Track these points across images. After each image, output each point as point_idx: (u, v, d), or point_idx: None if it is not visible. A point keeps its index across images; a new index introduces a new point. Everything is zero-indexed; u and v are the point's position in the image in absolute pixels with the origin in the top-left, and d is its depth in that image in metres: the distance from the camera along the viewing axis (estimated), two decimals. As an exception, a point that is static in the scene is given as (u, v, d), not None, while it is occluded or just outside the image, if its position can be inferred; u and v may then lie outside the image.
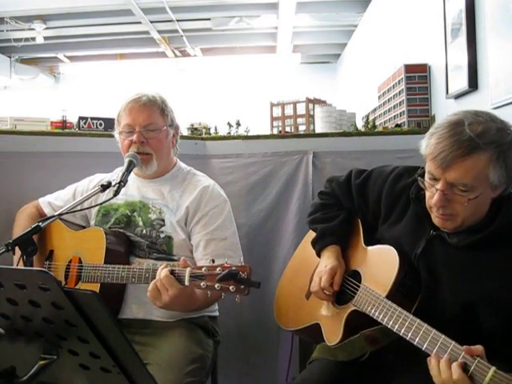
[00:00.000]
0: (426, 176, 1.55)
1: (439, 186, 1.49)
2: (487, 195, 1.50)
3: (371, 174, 1.90)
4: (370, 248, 1.81)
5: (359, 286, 1.72)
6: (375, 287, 1.65)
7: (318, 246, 1.93)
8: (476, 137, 1.43)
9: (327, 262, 1.84)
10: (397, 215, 1.75)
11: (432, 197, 1.53)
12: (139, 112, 2.14)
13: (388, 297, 1.58)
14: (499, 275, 1.48)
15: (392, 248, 1.67)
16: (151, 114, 2.15)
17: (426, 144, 1.53)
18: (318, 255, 1.94)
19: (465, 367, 1.29)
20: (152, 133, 2.14)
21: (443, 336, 1.38)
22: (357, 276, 1.79)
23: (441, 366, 1.33)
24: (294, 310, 2.03)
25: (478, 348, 1.31)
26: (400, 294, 1.58)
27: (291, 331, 2.05)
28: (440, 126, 1.52)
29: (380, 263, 1.72)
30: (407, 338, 1.45)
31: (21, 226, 2.19)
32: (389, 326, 1.52)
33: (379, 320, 1.56)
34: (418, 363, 1.49)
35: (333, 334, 1.73)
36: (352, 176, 1.95)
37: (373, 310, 1.60)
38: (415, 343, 1.43)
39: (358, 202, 1.91)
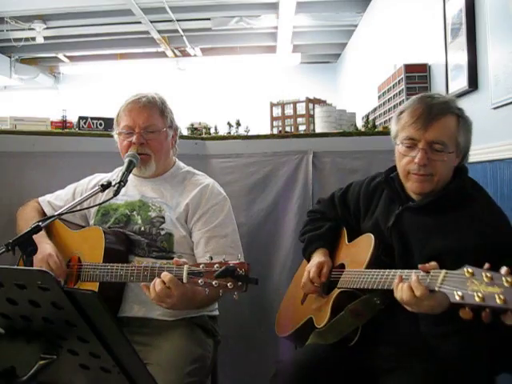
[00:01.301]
0: (403, 144, 1.74)
1: (421, 145, 1.68)
2: (453, 158, 1.72)
3: (351, 185, 2.11)
4: (351, 242, 1.98)
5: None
6: (356, 267, 1.80)
7: (307, 252, 2.08)
8: (448, 102, 1.74)
9: (315, 259, 1.99)
10: (374, 206, 1.94)
11: (410, 161, 1.71)
12: (139, 113, 2.14)
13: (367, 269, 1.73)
14: (453, 232, 1.63)
15: (368, 233, 1.85)
16: (151, 116, 2.15)
17: (398, 120, 1.78)
18: (308, 261, 2.05)
19: (420, 281, 1.41)
20: (151, 134, 2.14)
21: (407, 270, 1.51)
22: (343, 268, 1.93)
23: (403, 289, 1.44)
24: (290, 315, 2.12)
25: (432, 264, 1.43)
26: (377, 268, 1.67)
27: (289, 336, 2.08)
28: (410, 102, 1.79)
29: (359, 248, 1.89)
30: (385, 288, 1.57)
31: (27, 219, 2.19)
32: (370, 287, 1.64)
33: (361, 286, 1.68)
34: (407, 355, 1.64)
35: (321, 318, 1.83)
36: (335, 192, 2.18)
37: (355, 285, 1.73)
38: (391, 287, 1.54)
39: (341, 210, 2.10)
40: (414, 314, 1.52)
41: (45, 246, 2.06)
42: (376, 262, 1.75)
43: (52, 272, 1.98)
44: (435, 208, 1.71)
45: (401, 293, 1.46)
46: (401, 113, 1.78)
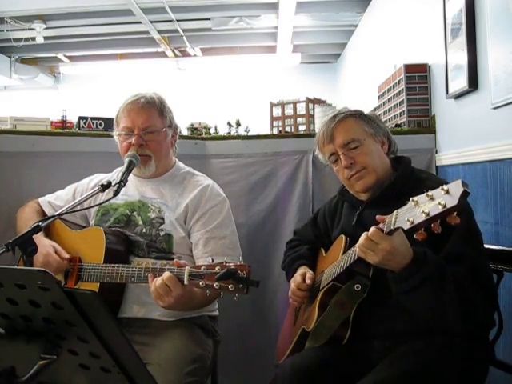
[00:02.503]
0: (331, 161, 1.98)
1: (339, 152, 1.91)
2: (376, 146, 1.93)
3: (318, 211, 2.30)
4: (327, 253, 2.11)
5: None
6: (333, 263, 1.87)
7: (290, 271, 2.16)
8: (337, 113, 1.99)
9: (298, 272, 2.08)
10: (338, 219, 2.11)
11: (341, 169, 1.92)
12: (138, 114, 2.13)
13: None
14: None
15: (339, 236, 1.98)
16: (150, 116, 2.15)
17: (316, 146, 2.04)
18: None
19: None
20: (151, 135, 2.14)
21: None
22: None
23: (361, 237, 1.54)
24: (286, 339, 2.16)
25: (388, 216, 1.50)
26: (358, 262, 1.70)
27: (287, 359, 2.06)
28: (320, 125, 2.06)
29: (333, 252, 2.00)
30: (355, 259, 1.65)
31: (27, 219, 2.19)
32: (343, 268, 1.73)
33: (337, 273, 1.77)
34: (401, 343, 1.69)
35: (311, 321, 1.87)
36: (308, 219, 2.38)
37: (332, 276, 1.81)
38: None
39: (314, 233, 2.26)
40: (397, 302, 1.62)
41: (41, 244, 2.05)
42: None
43: (52, 268, 2.01)
44: (390, 197, 1.80)
45: (361, 242, 1.54)
46: (316, 143, 2.03)
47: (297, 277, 2.03)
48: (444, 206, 1.24)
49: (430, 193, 1.31)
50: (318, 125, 2.04)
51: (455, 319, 1.58)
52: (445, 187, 1.27)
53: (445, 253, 1.64)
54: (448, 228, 1.52)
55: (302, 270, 2.08)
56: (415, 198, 1.35)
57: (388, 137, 2.00)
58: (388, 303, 1.70)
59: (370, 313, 1.78)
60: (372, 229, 1.49)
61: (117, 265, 1.95)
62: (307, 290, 1.98)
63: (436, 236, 1.54)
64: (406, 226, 1.34)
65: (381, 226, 1.49)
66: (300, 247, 2.26)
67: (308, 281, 1.97)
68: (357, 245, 1.57)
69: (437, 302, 1.56)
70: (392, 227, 1.41)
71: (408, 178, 1.87)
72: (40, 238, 2.07)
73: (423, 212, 1.29)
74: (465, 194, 1.22)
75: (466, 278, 1.58)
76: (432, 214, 1.27)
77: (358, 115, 1.97)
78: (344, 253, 1.81)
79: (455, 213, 1.24)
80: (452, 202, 1.23)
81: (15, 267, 1.64)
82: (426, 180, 1.82)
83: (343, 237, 1.93)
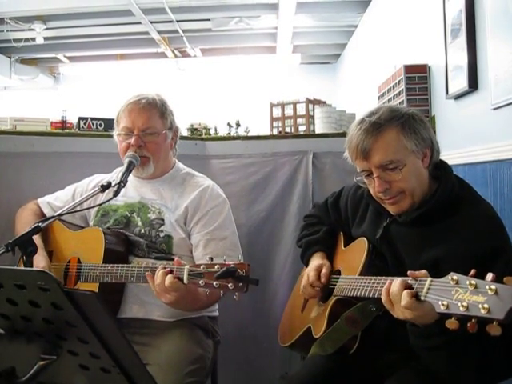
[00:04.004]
0: (361, 176, 1.72)
1: (374, 174, 1.65)
2: (416, 164, 1.66)
3: (342, 191, 2.10)
4: (346, 247, 1.98)
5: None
6: (351, 273, 1.77)
7: (306, 256, 2.06)
8: (377, 120, 1.64)
9: (313, 263, 1.96)
10: (360, 216, 1.93)
11: (374, 188, 1.68)
12: (138, 115, 2.13)
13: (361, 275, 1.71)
14: (442, 241, 1.59)
15: (362, 238, 1.84)
16: (150, 118, 2.14)
17: (347, 152, 1.75)
18: (307, 266, 2.03)
19: (410, 287, 1.36)
20: (150, 136, 2.13)
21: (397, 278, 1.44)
22: (339, 274, 1.90)
23: (391, 295, 1.40)
24: (291, 324, 2.11)
25: (422, 272, 1.38)
26: (371, 273, 1.65)
27: (290, 346, 2.05)
28: (348, 131, 1.76)
29: (353, 254, 1.87)
30: (376, 296, 1.53)
31: (25, 222, 2.18)
32: (363, 295, 1.60)
33: (355, 294, 1.65)
34: (411, 361, 1.59)
35: (319, 327, 1.80)
36: (328, 197, 2.17)
37: (349, 292, 1.70)
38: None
39: (334, 216, 2.10)
40: None
41: (38, 258, 2.05)
42: (370, 266, 1.74)
43: None
44: (422, 220, 1.66)
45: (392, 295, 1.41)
46: (346, 143, 1.76)
47: (311, 272, 1.90)
48: (488, 311, 1.09)
49: (473, 281, 1.15)
50: (352, 131, 1.72)
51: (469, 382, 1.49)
52: (493, 286, 1.10)
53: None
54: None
55: (317, 260, 1.96)
56: (455, 277, 1.21)
57: (431, 146, 1.70)
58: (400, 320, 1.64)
59: (382, 325, 1.71)
60: (405, 294, 1.34)
61: (116, 265, 1.95)
62: (320, 288, 1.90)
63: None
64: (439, 309, 1.21)
65: (414, 288, 1.35)
66: (318, 227, 2.11)
67: (323, 279, 1.86)
68: (386, 293, 1.43)
69: (454, 364, 1.46)
70: (422, 297, 1.29)
71: (446, 200, 1.66)
72: (40, 251, 2.06)
73: (462, 304, 1.14)
74: None
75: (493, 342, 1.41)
76: (471, 313, 1.13)
77: (400, 125, 1.65)
78: (365, 265, 1.72)
79: (497, 323, 1.08)
80: (499, 313, 1.08)
81: (15, 268, 1.64)
82: (464, 203, 1.64)
83: (366, 242, 1.79)
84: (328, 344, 1.77)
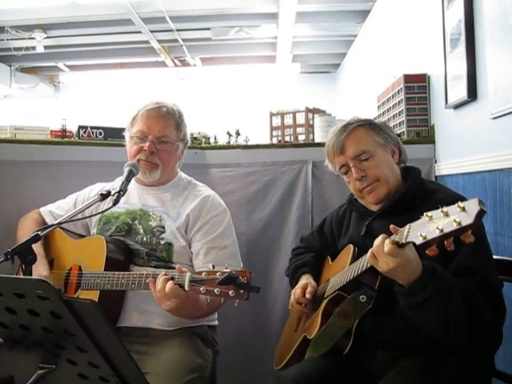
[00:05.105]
0: (341, 173, 1.95)
1: (350, 164, 1.88)
2: (387, 156, 1.91)
3: (325, 218, 2.27)
4: (333, 261, 2.08)
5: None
6: (339, 272, 1.85)
7: (294, 280, 2.15)
8: (347, 123, 1.94)
9: (300, 283, 2.05)
10: (345, 227, 2.09)
11: (354, 182, 1.89)
12: (156, 122, 2.15)
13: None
14: None
15: (347, 246, 1.96)
16: (167, 127, 2.17)
17: (326, 157, 2.00)
18: None
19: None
20: (164, 145, 2.16)
21: None
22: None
23: (374, 248, 1.51)
24: (287, 344, 2.14)
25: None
26: (366, 273, 1.68)
27: (288, 363, 2.04)
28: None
29: (340, 260, 1.99)
30: (364, 269, 1.64)
31: (26, 231, 2.19)
32: (351, 278, 1.71)
33: (343, 283, 1.75)
34: (403, 361, 1.67)
35: (313, 329, 1.85)
36: (313, 228, 2.36)
37: (338, 286, 1.79)
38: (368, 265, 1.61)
39: (320, 241, 2.24)
40: (404, 314, 1.59)
41: (38, 266, 2.05)
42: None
43: None
44: (400, 208, 1.79)
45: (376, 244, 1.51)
46: (325, 154, 2.00)
47: (297, 290, 2.01)
48: (459, 223, 1.21)
49: (445, 209, 1.28)
50: (329, 135, 1.99)
51: (458, 337, 1.56)
52: (461, 204, 1.24)
53: (455, 266, 1.62)
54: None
55: (303, 280, 2.06)
56: (429, 214, 1.32)
57: (398, 146, 1.98)
58: (393, 315, 1.68)
59: (374, 324, 1.77)
60: (387, 242, 1.45)
61: (117, 272, 1.95)
62: (306, 305, 1.97)
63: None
64: (419, 241, 1.31)
65: (394, 237, 1.46)
66: (305, 255, 2.24)
67: (308, 295, 1.94)
68: (371, 249, 1.53)
69: (442, 318, 1.53)
70: (404, 241, 1.38)
71: (418, 189, 1.85)
72: (41, 259, 2.07)
73: (437, 228, 1.26)
74: (481, 213, 1.19)
75: (476, 295, 1.55)
76: (446, 230, 1.24)
77: (368, 125, 1.94)
78: (352, 262, 1.79)
79: (470, 231, 1.21)
80: (468, 220, 1.20)
81: (14, 276, 1.64)
82: (436, 192, 1.80)
83: (351, 246, 1.91)
84: (322, 342, 1.81)
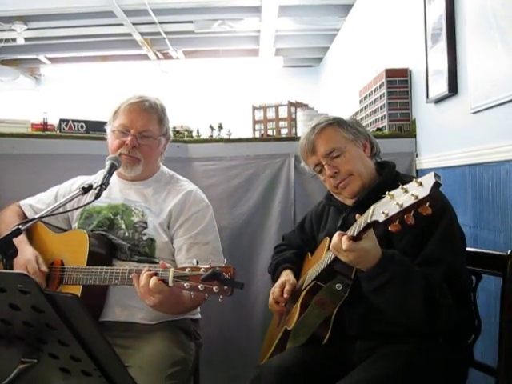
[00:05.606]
0: (316, 172, 2.01)
1: (323, 162, 1.94)
2: (358, 151, 1.96)
3: (305, 216, 2.31)
4: (313, 255, 2.12)
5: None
6: (317, 263, 1.89)
7: (275, 276, 2.19)
8: (316, 124, 1.99)
9: (279, 280, 2.09)
10: (324, 222, 2.14)
11: (327, 178, 1.95)
12: (138, 116, 2.14)
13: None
14: None
15: (326, 237, 1.99)
16: (149, 121, 2.16)
17: (301, 158, 2.06)
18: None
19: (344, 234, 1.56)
20: (146, 139, 2.14)
21: None
22: None
23: (332, 246, 1.59)
24: (270, 340, 2.17)
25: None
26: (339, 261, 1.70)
27: (270, 358, 2.06)
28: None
29: (318, 252, 2.04)
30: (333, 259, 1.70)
31: (7, 225, 2.15)
32: (323, 267, 1.78)
33: (317, 273, 1.82)
34: (384, 348, 1.72)
35: (292, 319, 1.89)
36: (296, 224, 2.42)
37: (313, 276, 1.85)
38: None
39: (300, 237, 2.28)
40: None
41: (25, 250, 2.05)
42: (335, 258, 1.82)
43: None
44: (375, 201, 1.77)
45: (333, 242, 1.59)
46: (300, 155, 2.06)
47: (275, 289, 2.04)
48: (416, 197, 1.27)
49: (404, 186, 1.34)
50: (301, 137, 2.05)
51: (420, 319, 1.63)
52: (418, 180, 1.30)
53: (422, 256, 1.69)
54: (430, 230, 1.64)
55: (282, 278, 2.09)
56: (391, 192, 1.38)
57: (369, 139, 2.03)
58: (370, 304, 1.71)
59: (353, 313, 1.81)
60: (344, 239, 1.54)
61: (100, 267, 1.94)
62: (285, 304, 2.00)
63: (419, 238, 1.65)
64: (381, 219, 1.36)
65: (349, 231, 1.55)
66: (286, 252, 2.28)
67: (285, 295, 1.98)
68: (330, 247, 1.61)
69: (402, 301, 1.61)
70: (368, 220, 1.44)
71: (393, 182, 1.85)
72: (25, 245, 2.06)
73: (397, 204, 1.31)
74: (436, 185, 1.24)
75: (438, 280, 1.62)
76: (405, 205, 1.29)
77: (336, 123, 1.99)
78: (327, 253, 1.83)
79: (427, 204, 1.27)
80: (424, 192, 1.26)
81: (-5, 270, 1.63)
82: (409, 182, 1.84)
83: (327, 239, 1.94)
84: (301, 332, 1.85)
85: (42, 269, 2.05)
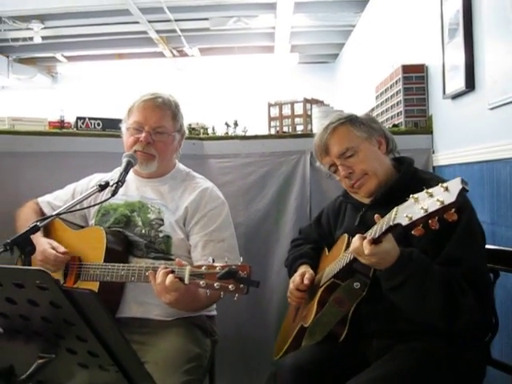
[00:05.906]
0: (331, 171, 1.99)
1: (337, 163, 1.92)
2: (372, 149, 1.93)
3: (322, 210, 2.31)
4: (330, 252, 2.10)
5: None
6: (334, 261, 1.87)
7: (292, 270, 2.16)
8: (328, 123, 1.96)
9: (297, 272, 2.06)
10: (341, 219, 2.12)
11: (342, 178, 1.93)
12: (152, 112, 2.15)
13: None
14: None
15: (342, 235, 1.97)
16: (163, 117, 2.16)
17: (316, 158, 2.04)
18: None
19: (365, 237, 1.54)
20: (160, 136, 2.15)
21: None
22: None
23: (355, 250, 1.58)
24: (284, 335, 2.16)
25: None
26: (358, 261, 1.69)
27: (285, 354, 2.05)
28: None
29: (336, 248, 2.01)
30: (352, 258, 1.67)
31: (25, 222, 2.17)
32: (342, 266, 1.74)
33: (336, 271, 1.78)
34: (400, 346, 1.71)
35: (309, 316, 1.87)
36: (312, 220, 2.39)
37: (332, 273, 1.82)
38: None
39: (317, 232, 2.26)
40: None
41: (38, 242, 2.05)
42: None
43: (51, 262, 2.00)
44: (392, 197, 1.73)
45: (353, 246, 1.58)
46: (315, 155, 2.04)
47: (296, 277, 2.02)
48: (442, 202, 1.25)
49: (429, 190, 1.32)
50: (315, 137, 2.02)
51: (439, 317, 1.61)
52: (444, 184, 1.28)
53: (443, 256, 1.67)
54: (449, 229, 1.59)
55: (301, 269, 2.07)
56: (415, 195, 1.36)
57: (385, 135, 2.00)
58: (388, 303, 1.70)
59: (370, 311, 1.80)
60: (365, 243, 1.52)
61: (117, 264, 1.95)
62: (305, 291, 1.98)
63: (438, 237, 1.61)
64: (405, 222, 1.35)
65: (369, 233, 1.53)
66: (303, 246, 2.25)
67: (306, 281, 1.96)
68: (350, 249, 1.60)
69: (420, 299, 1.60)
70: (391, 223, 1.42)
71: (411, 179, 1.86)
72: (37, 237, 2.07)
73: (422, 208, 1.30)
74: (463, 191, 1.23)
75: (458, 279, 1.60)
76: (430, 210, 1.28)
77: (348, 122, 1.95)
78: (345, 251, 1.81)
79: (453, 210, 1.25)
80: (450, 198, 1.24)
81: (14, 266, 1.65)
82: (429, 180, 1.80)
83: (346, 235, 1.92)
84: (318, 330, 1.84)
85: (60, 250, 2.06)
